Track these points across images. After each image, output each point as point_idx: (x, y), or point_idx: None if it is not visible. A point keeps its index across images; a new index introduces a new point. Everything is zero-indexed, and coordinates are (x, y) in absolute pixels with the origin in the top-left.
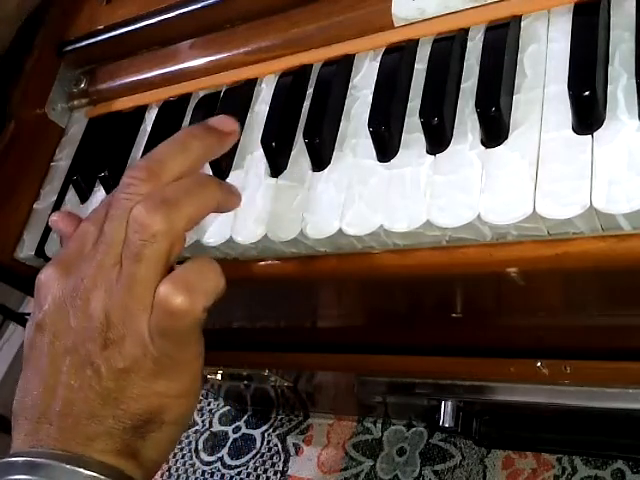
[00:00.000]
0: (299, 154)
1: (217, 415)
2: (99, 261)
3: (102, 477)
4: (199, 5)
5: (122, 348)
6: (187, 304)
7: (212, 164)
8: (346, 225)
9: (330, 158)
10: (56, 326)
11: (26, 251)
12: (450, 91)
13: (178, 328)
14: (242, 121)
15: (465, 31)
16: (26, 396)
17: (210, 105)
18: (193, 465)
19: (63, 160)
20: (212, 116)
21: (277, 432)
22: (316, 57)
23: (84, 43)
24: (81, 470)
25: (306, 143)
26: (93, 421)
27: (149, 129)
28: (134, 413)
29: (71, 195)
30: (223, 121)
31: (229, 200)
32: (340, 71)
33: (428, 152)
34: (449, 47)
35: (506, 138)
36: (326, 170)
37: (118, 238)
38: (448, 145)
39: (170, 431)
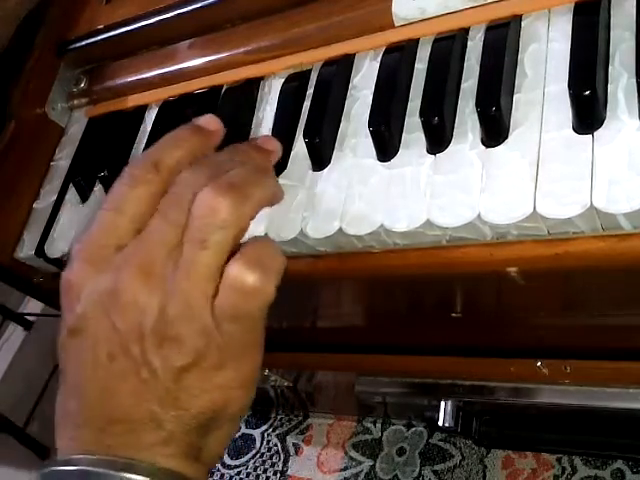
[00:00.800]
0: (299, 154)
1: None
2: (147, 251)
3: None
4: (199, 5)
5: (182, 344)
6: (261, 282)
7: None
8: (346, 225)
9: (330, 158)
10: (96, 329)
11: (26, 251)
12: (450, 91)
13: (251, 309)
14: (242, 121)
15: (465, 31)
16: (70, 400)
17: (210, 104)
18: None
19: (63, 160)
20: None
21: (277, 432)
22: (316, 57)
23: (84, 43)
24: (139, 478)
25: (306, 143)
26: (152, 426)
27: (149, 129)
28: (197, 412)
29: (71, 195)
30: (208, 120)
31: (279, 192)
32: (340, 71)
33: (428, 152)
34: (449, 47)
35: (506, 138)
36: (326, 170)
37: (177, 222)
38: (448, 145)
39: (231, 426)
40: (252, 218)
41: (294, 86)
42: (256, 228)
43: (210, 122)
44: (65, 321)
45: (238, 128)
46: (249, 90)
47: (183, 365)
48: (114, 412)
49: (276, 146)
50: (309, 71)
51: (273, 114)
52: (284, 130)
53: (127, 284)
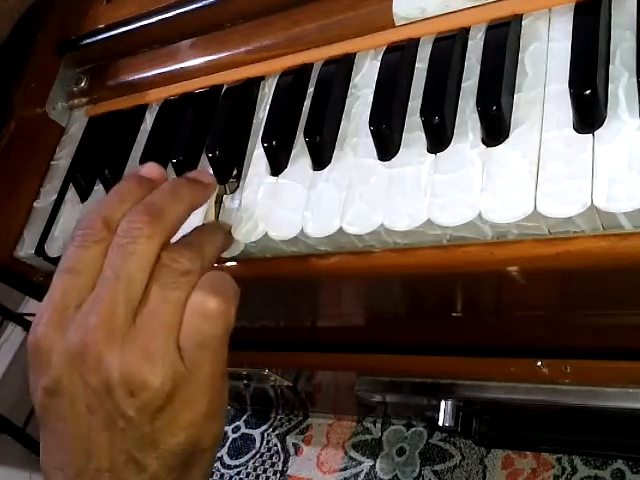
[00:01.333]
0: (300, 153)
1: None
2: (103, 306)
3: None
4: (199, 4)
5: (150, 388)
6: (223, 305)
7: (214, 166)
8: (347, 224)
9: (331, 157)
10: (71, 389)
11: (26, 250)
12: (451, 90)
13: (216, 333)
14: (242, 121)
15: (466, 30)
16: (57, 453)
17: (211, 103)
18: None
19: (63, 159)
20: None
21: (277, 432)
22: (317, 56)
23: (84, 42)
24: None
25: (307, 142)
26: (137, 470)
27: (149, 128)
28: (176, 449)
29: (71, 194)
30: (150, 169)
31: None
32: (341, 70)
33: (429, 151)
34: (450, 46)
35: (507, 137)
36: (327, 169)
37: (139, 278)
38: (449, 144)
39: (211, 455)
40: (172, 231)
41: (289, 80)
42: (256, 228)
43: (152, 171)
44: (39, 383)
45: (238, 128)
46: (249, 90)
47: (155, 409)
48: (100, 462)
49: (211, 179)
50: (305, 67)
51: None
52: (276, 125)
53: (90, 342)
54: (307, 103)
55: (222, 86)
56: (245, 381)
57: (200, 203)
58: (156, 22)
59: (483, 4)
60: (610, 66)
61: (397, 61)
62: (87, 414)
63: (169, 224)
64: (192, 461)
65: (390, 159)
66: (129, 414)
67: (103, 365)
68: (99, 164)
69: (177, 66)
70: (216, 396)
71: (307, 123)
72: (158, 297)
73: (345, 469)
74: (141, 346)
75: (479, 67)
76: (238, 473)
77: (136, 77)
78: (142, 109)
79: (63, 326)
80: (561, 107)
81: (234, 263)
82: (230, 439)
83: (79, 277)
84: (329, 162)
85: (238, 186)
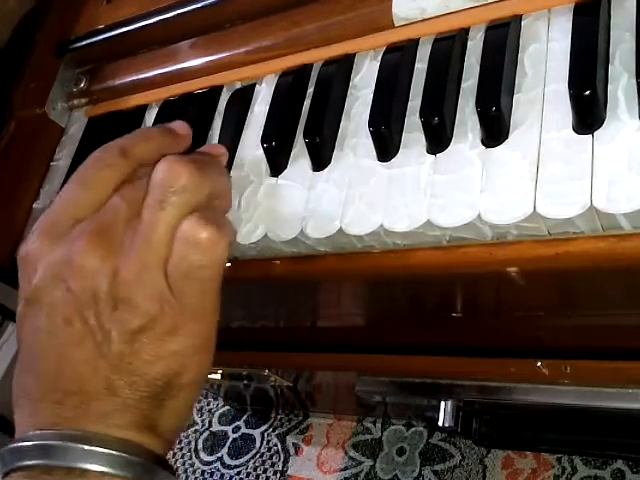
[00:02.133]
0: (299, 154)
1: (217, 415)
2: (103, 221)
3: (122, 454)
4: (199, 5)
5: (136, 306)
6: (215, 235)
7: None
8: (346, 225)
9: (330, 158)
10: (51, 296)
11: None
12: (450, 91)
13: (204, 264)
14: (241, 121)
15: (466, 31)
16: (26, 376)
17: (210, 104)
18: (193, 465)
19: (63, 159)
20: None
21: (277, 432)
22: (316, 56)
23: (84, 43)
24: (98, 449)
25: (306, 143)
26: (106, 394)
27: None
28: (152, 378)
29: None
30: (179, 125)
31: (229, 192)
32: (340, 71)
33: (428, 152)
34: (449, 47)
35: (506, 138)
36: (326, 170)
37: (134, 201)
38: (448, 145)
39: (188, 395)
40: (210, 195)
41: (289, 81)
42: (256, 228)
43: (180, 127)
44: (22, 293)
45: (238, 128)
46: (249, 90)
47: (137, 328)
48: (70, 384)
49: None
50: (304, 68)
51: None
52: (275, 125)
53: (81, 250)
54: (307, 104)
55: (222, 87)
56: (245, 381)
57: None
58: (156, 22)
59: (483, 4)
60: (609, 67)
61: (397, 61)
62: (63, 326)
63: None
64: (166, 396)
65: (390, 160)
66: (108, 327)
67: (91, 272)
68: None
69: (177, 66)
70: (202, 330)
71: (307, 124)
72: (148, 215)
73: (345, 469)
74: (135, 263)
75: (479, 67)
76: (238, 473)
77: (136, 77)
78: (142, 109)
79: (56, 237)
80: (560, 108)
81: (234, 264)
82: (230, 439)
83: (84, 193)
84: (329, 163)
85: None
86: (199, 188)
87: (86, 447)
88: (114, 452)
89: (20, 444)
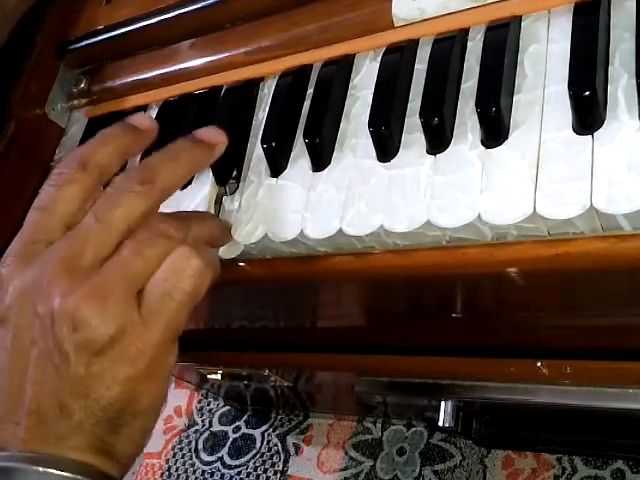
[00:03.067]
0: (299, 154)
1: (217, 415)
2: (74, 244)
3: (77, 477)
4: (199, 5)
5: (95, 327)
6: (204, 267)
7: (214, 167)
8: (346, 225)
9: (330, 158)
10: (19, 317)
11: None
12: (450, 91)
13: (186, 289)
14: (242, 121)
15: (465, 31)
16: None
17: (210, 104)
18: (193, 465)
19: None
20: (213, 114)
21: (277, 432)
22: (316, 57)
23: (84, 43)
24: (53, 471)
25: (306, 143)
26: (62, 416)
27: None
28: (106, 403)
29: None
30: (140, 119)
31: (222, 232)
32: (340, 71)
33: (428, 152)
34: (449, 47)
35: (506, 138)
36: (326, 170)
37: (106, 220)
38: (448, 145)
39: (144, 421)
40: (161, 197)
41: (288, 81)
42: (256, 229)
43: (141, 121)
44: None
45: (238, 128)
46: (249, 90)
47: (95, 350)
48: (29, 404)
49: (220, 138)
50: (304, 68)
51: None
52: (276, 124)
53: (49, 273)
54: (307, 104)
55: (222, 87)
56: (245, 381)
57: (202, 167)
58: (155, 23)
59: (482, 5)
60: (609, 67)
61: (396, 62)
62: (29, 347)
63: (162, 186)
64: (121, 421)
65: (390, 160)
66: (65, 348)
67: (54, 294)
68: None
69: (176, 67)
70: (161, 356)
71: (306, 124)
72: (131, 248)
73: (345, 469)
74: (98, 286)
75: (478, 68)
76: (238, 473)
77: (136, 78)
78: (142, 110)
79: (28, 260)
80: (560, 108)
81: (234, 264)
82: (230, 439)
83: (50, 215)
84: (329, 163)
85: (237, 187)
86: (184, 239)
87: (41, 469)
88: (69, 474)
89: None
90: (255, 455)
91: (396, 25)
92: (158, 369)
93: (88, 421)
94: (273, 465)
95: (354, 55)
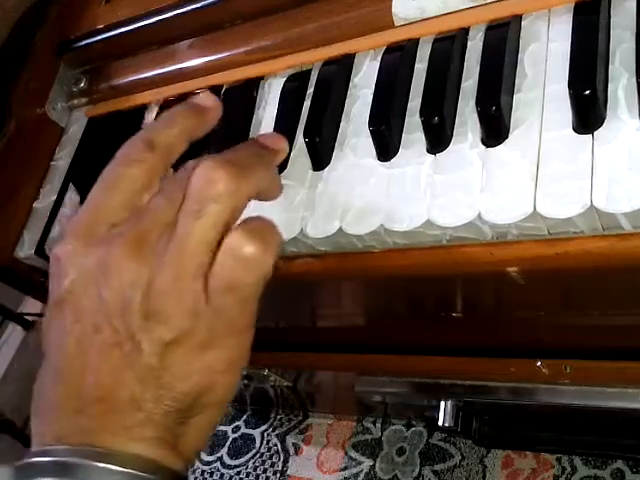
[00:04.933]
0: (299, 153)
1: None
2: (141, 226)
3: (140, 473)
4: (199, 5)
5: (169, 318)
6: (261, 252)
7: None
8: (346, 224)
9: (330, 157)
10: (81, 301)
11: (26, 250)
12: (450, 90)
13: (247, 280)
14: (242, 121)
15: (465, 31)
16: (49, 381)
17: None
18: (192, 465)
19: (63, 159)
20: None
21: (276, 432)
22: (316, 56)
23: (84, 43)
24: (115, 467)
25: (306, 143)
26: (130, 407)
27: None
28: (179, 393)
29: (71, 194)
30: (204, 98)
31: (277, 184)
32: (340, 70)
33: (428, 151)
34: (449, 47)
35: (506, 137)
36: (326, 169)
37: (176, 200)
38: (448, 144)
39: (213, 413)
40: (250, 197)
41: (295, 86)
42: None
43: (206, 99)
44: (52, 294)
45: (238, 128)
46: (249, 90)
47: (168, 340)
48: (93, 391)
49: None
50: (309, 71)
51: (273, 114)
52: (285, 130)
53: (117, 256)
54: (307, 104)
55: (221, 86)
56: (245, 381)
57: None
58: (155, 22)
59: (482, 4)
60: (610, 66)
61: (396, 61)
62: (92, 332)
63: (246, 173)
64: (192, 413)
65: (390, 159)
66: (138, 338)
67: (126, 281)
68: (99, 164)
69: (176, 66)
70: (236, 346)
71: (307, 124)
72: (183, 224)
73: (345, 469)
74: (173, 273)
75: (478, 67)
76: (238, 473)
77: (135, 77)
78: (141, 109)
79: (90, 240)
80: (561, 107)
81: None
82: (230, 439)
83: (115, 194)
84: (329, 163)
85: None
86: (237, 194)
87: (102, 465)
88: (131, 471)
89: (35, 459)
90: (255, 455)
91: (396, 24)
92: (233, 358)
93: (158, 412)
94: (272, 465)
95: (354, 54)
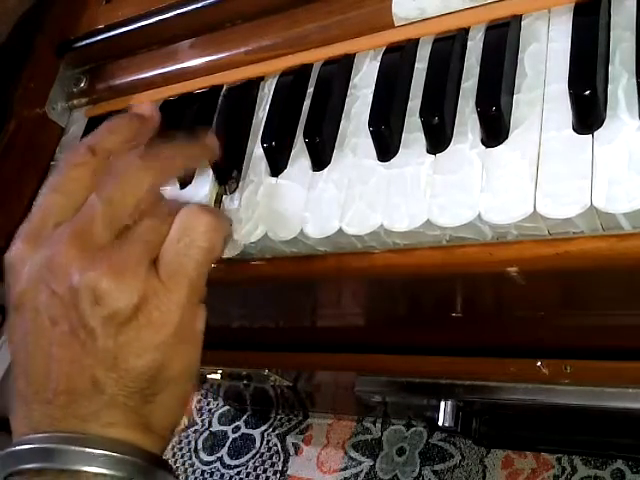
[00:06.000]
0: (299, 154)
1: (216, 415)
2: (81, 222)
3: (114, 454)
4: (199, 4)
5: (117, 298)
6: (215, 222)
7: (214, 166)
8: (346, 225)
9: (330, 158)
10: (36, 299)
11: None
12: (450, 91)
13: (202, 245)
14: (242, 121)
15: (465, 31)
16: (18, 378)
17: (210, 104)
18: (192, 465)
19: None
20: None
21: (277, 432)
22: (316, 56)
23: (84, 43)
24: (90, 450)
25: (306, 143)
26: (94, 392)
27: None
28: (138, 373)
29: None
30: (142, 108)
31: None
32: (340, 70)
33: (428, 151)
34: (449, 47)
35: (506, 137)
36: (326, 170)
37: (110, 197)
38: (448, 144)
39: (177, 388)
40: (172, 170)
41: (289, 81)
42: (256, 228)
43: (144, 109)
44: (9, 299)
45: (238, 128)
46: (249, 90)
47: (120, 321)
48: (58, 382)
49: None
50: (304, 66)
51: None
52: (277, 126)
53: (60, 251)
54: (307, 104)
55: (222, 86)
56: (245, 381)
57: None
58: (155, 22)
59: (482, 4)
60: (610, 67)
61: (397, 61)
62: (50, 327)
63: (164, 162)
64: (155, 390)
65: (390, 160)
66: (92, 324)
67: (70, 272)
68: None
69: (176, 66)
70: (187, 320)
71: (307, 124)
72: (147, 225)
73: (345, 469)
74: (114, 258)
75: (478, 67)
76: (238, 473)
77: (135, 77)
78: None
79: (38, 242)
80: (560, 108)
81: (234, 263)
82: (230, 439)
83: (59, 196)
84: (329, 163)
85: (237, 186)
86: (151, 167)
87: (77, 448)
88: (106, 452)
89: (15, 448)
90: (255, 455)
91: (396, 24)
92: (186, 332)
93: (121, 393)
94: (273, 465)
95: (354, 54)
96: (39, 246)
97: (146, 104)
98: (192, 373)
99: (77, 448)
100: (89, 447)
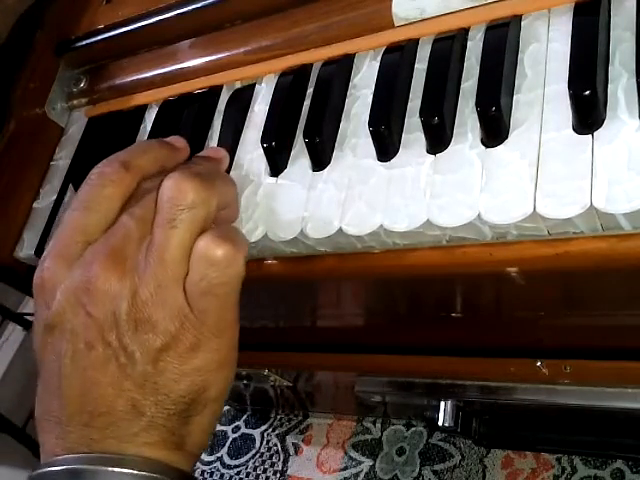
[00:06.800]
0: (299, 154)
1: None
2: (114, 242)
3: (149, 474)
4: (199, 5)
5: (156, 326)
6: (231, 253)
7: None
8: (346, 225)
9: (330, 158)
10: (72, 322)
11: (26, 250)
12: (450, 91)
13: (222, 280)
14: (242, 121)
15: (465, 31)
16: (51, 399)
17: (210, 104)
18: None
19: (63, 159)
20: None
21: (276, 432)
22: (316, 56)
23: (84, 43)
24: (126, 470)
25: (306, 143)
26: (133, 414)
27: (149, 129)
28: (177, 396)
29: (71, 194)
30: (176, 139)
31: (236, 202)
32: (340, 71)
33: (428, 152)
34: (449, 47)
35: (506, 138)
36: (326, 170)
37: (143, 217)
38: (448, 145)
39: (213, 410)
40: (218, 207)
41: (289, 81)
42: (256, 228)
43: (177, 140)
44: (41, 319)
45: (238, 128)
46: (249, 90)
47: (159, 347)
48: (96, 405)
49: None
50: (303, 66)
51: None
52: (275, 125)
53: (98, 274)
54: (307, 104)
55: (221, 86)
56: (245, 381)
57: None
58: (155, 22)
59: (482, 4)
60: (609, 67)
61: (396, 62)
62: (86, 350)
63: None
64: (192, 412)
65: (389, 160)
66: (132, 348)
67: (110, 295)
68: None
69: (176, 66)
70: (223, 344)
71: (306, 124)
72: (159, 235)
73: (345, 469)
74: (151, 283)
75: (478, 68)
76: (238, 473)
77: (135, 77)
78: (141, 109)
79: (70, 261)
80: (560, 108)
81: None
82: (230, 439)
83: (91, 214)
84: (328, 163)
85: None
86: (207, 202)
87: (114, 469)
88: (142, 473)
89: (48, 469)
90: (254, 455)
91: (396, 24)
92: (223, 355)
93: (161, 416)
94: (272, 465)
95: (354, 54)
96: (71, 266)
97: (177, 137)
98: (225, 395)
99: (111, 469)
100: (123, 467)
